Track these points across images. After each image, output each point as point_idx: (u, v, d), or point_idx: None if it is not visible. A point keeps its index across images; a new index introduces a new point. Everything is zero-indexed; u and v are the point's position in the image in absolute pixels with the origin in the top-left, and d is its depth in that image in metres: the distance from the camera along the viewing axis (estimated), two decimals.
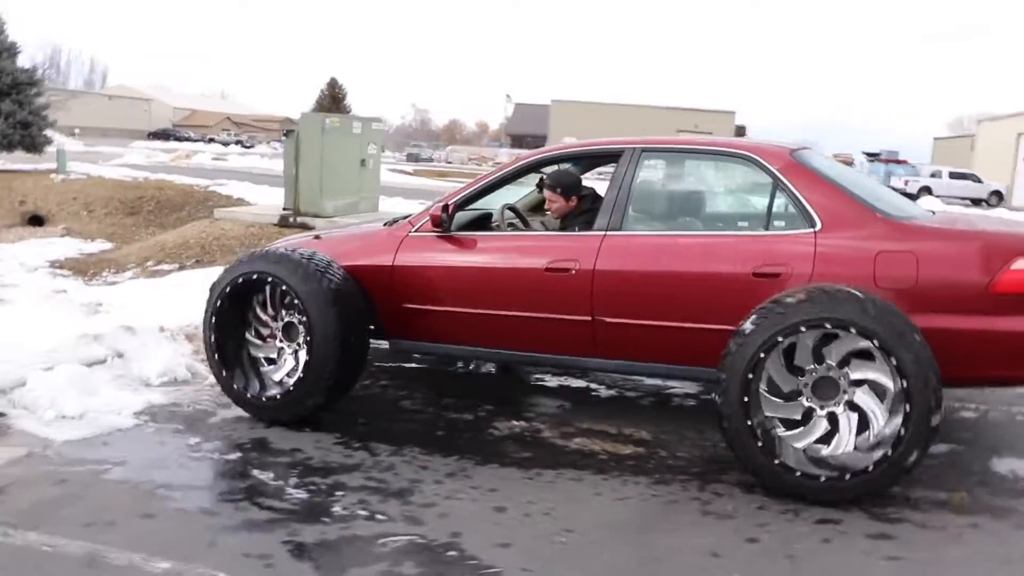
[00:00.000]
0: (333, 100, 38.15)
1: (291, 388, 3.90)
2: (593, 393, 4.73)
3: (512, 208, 4.72)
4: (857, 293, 3.21)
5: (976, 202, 29.53)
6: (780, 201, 3.74)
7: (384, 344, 4.38)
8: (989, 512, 3.26)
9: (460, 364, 5.22)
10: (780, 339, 3.23)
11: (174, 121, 72.17)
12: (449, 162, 48.90)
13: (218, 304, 4.07)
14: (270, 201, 13.41)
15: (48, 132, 18.45)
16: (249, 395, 4.00)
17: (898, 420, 3.15)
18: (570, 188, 4.37)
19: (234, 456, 3.60)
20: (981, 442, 4.11)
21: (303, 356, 3.92)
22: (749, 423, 3.25)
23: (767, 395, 3.30)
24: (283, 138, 11.12)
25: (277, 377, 4.09)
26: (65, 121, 23.16)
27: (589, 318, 3.76)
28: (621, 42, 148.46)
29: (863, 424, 3.28)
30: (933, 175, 31.95)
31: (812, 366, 3.29)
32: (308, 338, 3.84)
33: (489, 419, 4.20)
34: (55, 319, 5.55)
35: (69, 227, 12.53)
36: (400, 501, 3.20)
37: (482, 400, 4.49)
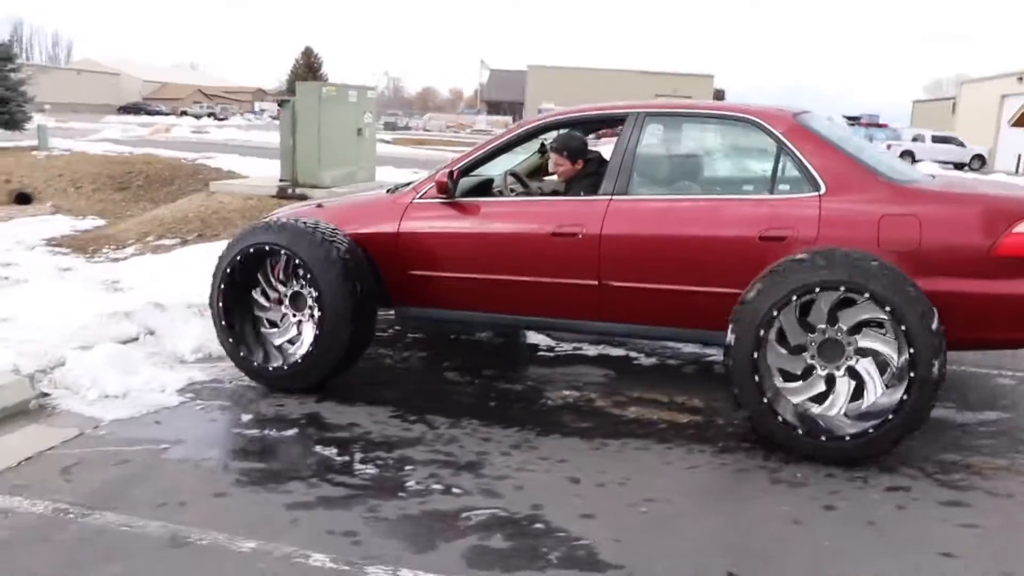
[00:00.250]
0: (309, 69, 37.48)
1: (304, 356, 3.92)
2: (635, 362, 4.72)
3: (514, 174, 4.69)
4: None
5: (959, 166, 29.60)
6: (784, 165, 3.77)
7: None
8: None
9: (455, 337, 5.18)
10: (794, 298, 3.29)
11: (144, 95, 70.33)
12: (427, 130, 48.37)
13: (225, 277, 4.07)
14: (262, 173, 13.19)
15: (26, 108, 17.94)
16: (264, 366, 4.01)
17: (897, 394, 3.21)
18: (576, 151, 4.37)
19: (291, 432, 3.55)
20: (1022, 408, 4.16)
21: (313, 325, 3.93)
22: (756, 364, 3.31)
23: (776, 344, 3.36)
24: (279, 108, 10.88)
25: (288, 347, 4.09)
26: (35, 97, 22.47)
27: (596, 282, 3.78)
28: (596, 6, 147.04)
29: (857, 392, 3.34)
30: (915, 139, 32.05)
31: (824, 326, 3.34)
32: (318, 307, 3.85)
33: (539, 389, 4.17)
34: (75, 297, 5.41)
35: (58, 204, 12.23)
36: (472, 474, 3.17)
37: (524, 370, 4.47)
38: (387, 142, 29.30)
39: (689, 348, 4.93)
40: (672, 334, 3.97)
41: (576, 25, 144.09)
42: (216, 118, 47.02)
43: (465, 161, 4.20)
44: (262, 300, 4.15)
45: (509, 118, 57.30)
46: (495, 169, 4.63)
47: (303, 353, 3.93)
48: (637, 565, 2.57)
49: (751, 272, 3.42)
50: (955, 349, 3.37)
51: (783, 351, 3.38)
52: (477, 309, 4.08)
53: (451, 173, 4.04)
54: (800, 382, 3.40)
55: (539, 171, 5.29)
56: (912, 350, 3.16)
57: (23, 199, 12.78)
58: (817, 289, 3.25)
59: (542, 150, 5.21)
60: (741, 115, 3.91)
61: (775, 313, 3.30)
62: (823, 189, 3.57)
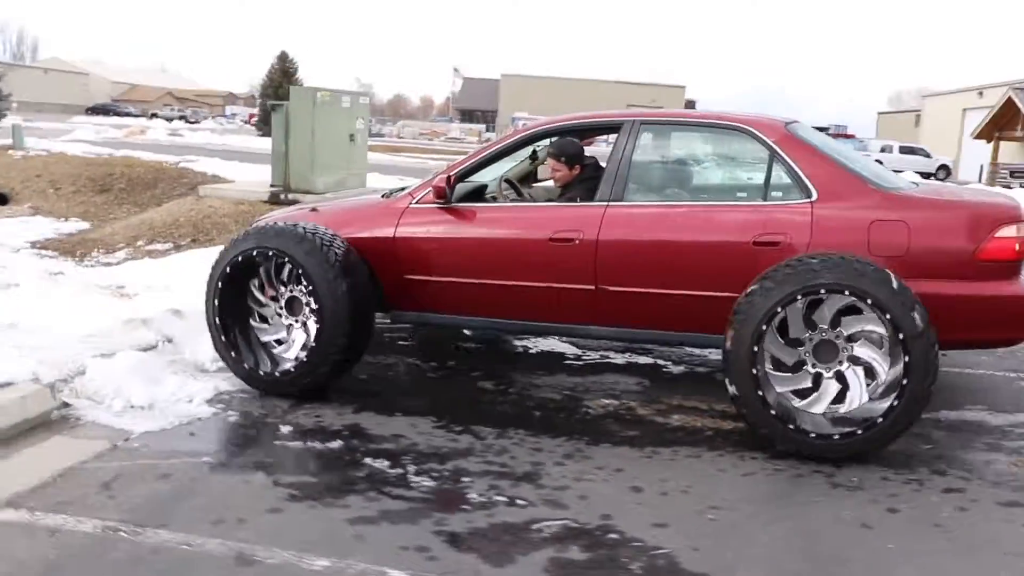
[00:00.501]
0: (284, 74, 36.66)
1: (303, 361, 3.87)
2: (664, 370, 4.69)
3: (508, 180, 4.73)
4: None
5: (926, 176, 30.38)
6: (776, 172, 3.84)
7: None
8: None
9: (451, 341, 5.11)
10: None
11: (113, 96, 68.79)
12: (401, 137, 48.13)
13: (220, 283, 4.03)
14: (250, 177, 12.98)
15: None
16: (261, 372, 3.95)
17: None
18: (574, 157, 4.41)
19: (335, 444, 3.44)
20: None
21: (311, 329, 3.91)
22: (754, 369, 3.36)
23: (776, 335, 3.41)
24: (273, 112, 10.70)
25: (285, 352, 4.05)
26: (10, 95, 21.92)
27: (593, 287, 3.81)
28: (568, 17, 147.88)
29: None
30: (883, 149, 32.74)
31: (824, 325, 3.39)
32: (317, 311, 3.82)
33: (577, 398, 4.11)
34: (81, 303, 5.21)
35: (36, 206, 11.88)
36: (532, 485, 3.10)
37: (556, 379, 4.40)
38: None
39: (715, 355, 4.89)
40: (667, 337, 4.01)
41: (549, 35, 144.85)
42: (187, 121, 46.25)
43: (462, 167, 4.21)
44: (259, 305, 4.10)
45: (482, 126, 57.32)
46: (483, 176, 4.60)
47: (301, 357, 3.90)
48: (719, 572, 2.54)
49: (745, 276, 3.50)
50: (943, 349, 3.43)
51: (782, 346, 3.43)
52: (474, 314, 4.08)
53: (448, 178, 4.04)
54: (790, 374, 3.45)
55: (529, 177, 5.28)
56: (907, 359, 3.21)
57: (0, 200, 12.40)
58: (823, 291, 3.30)
59: (533, 156, 5.22)
60: (734, 124, 3.97)
61: (778, 311, 3.34)
62: (815, 196, 3.65)
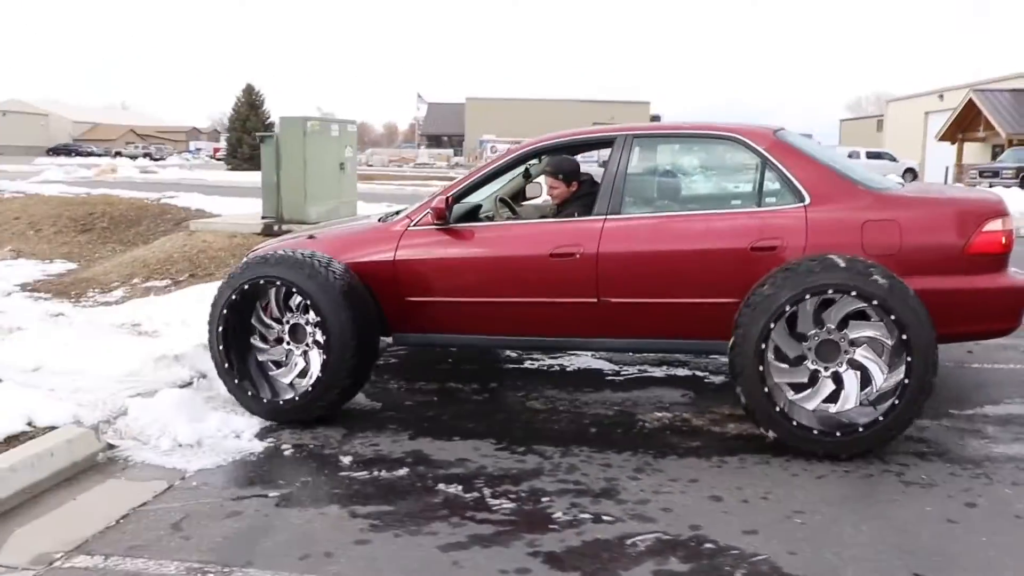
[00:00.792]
0: (251, 107, 36.49)
1: (310, 388, 3.88)
2: (706, 381, 4.70)
3: (503, 199, 4.77)
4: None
5: None
6: (769, 179, 3.92)
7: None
8: None
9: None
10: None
11: (74, 136, 67.58)
12: (370, 164, 48.03)
13: (224, 314, 4.04)
14: (237, 210, 12.86)
15: None
16: (265, 400, 3.94)
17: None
18: (571, 174, 4.47)
19: (402, 472, 3.38)
20: None
21: (317, 356, 3.93)
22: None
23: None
24: (261, 143, 10.62)
25: (288, 380, 4.04)
26: None
27: (595, 300, 3.85)
28: (528, 38, 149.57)
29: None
30: (851, 155, 33.46)
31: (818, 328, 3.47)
32: (324, 336, 3.84)
33: (629, 413, 4.10)
34: (103, 343, 5.09)
35: (18, 248, 11.60)
36: (612, 501, 3.07)
37: (602, 395, 4.39)
38: None
39: None
40: (670, 346, 4.06)
41: (510, 57, 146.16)
42: (152, 158, 45.65)
43: (459, 188, 4.23)
44: (262, 334, 4.08)
45: (450, 151, 57.50)
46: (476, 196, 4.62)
47: (310, 384, 3.89)
48: (824, 574, 2.53)
49: (745, 282, 3.58)
50: (938, 343, 3.48)
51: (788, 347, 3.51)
52: (477, 332, 4.09)
53: (447, 200, 4.06)
54: (789, 366, 3.52)
55: (518, 196, 5.31)
56: (909, 359, 3.30)
57: None
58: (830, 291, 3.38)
59: (527, 175, 5.26)
60: (725, 134, 4.05)
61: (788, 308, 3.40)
62: (807, 200, 3.74)
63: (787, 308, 3.40)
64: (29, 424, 3.64)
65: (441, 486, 3.23)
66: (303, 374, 3.99)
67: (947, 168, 29.41)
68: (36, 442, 3.45)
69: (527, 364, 5.05)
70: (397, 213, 4.50)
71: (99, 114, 76.28)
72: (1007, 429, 3.79)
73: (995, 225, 3.65)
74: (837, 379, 3.46)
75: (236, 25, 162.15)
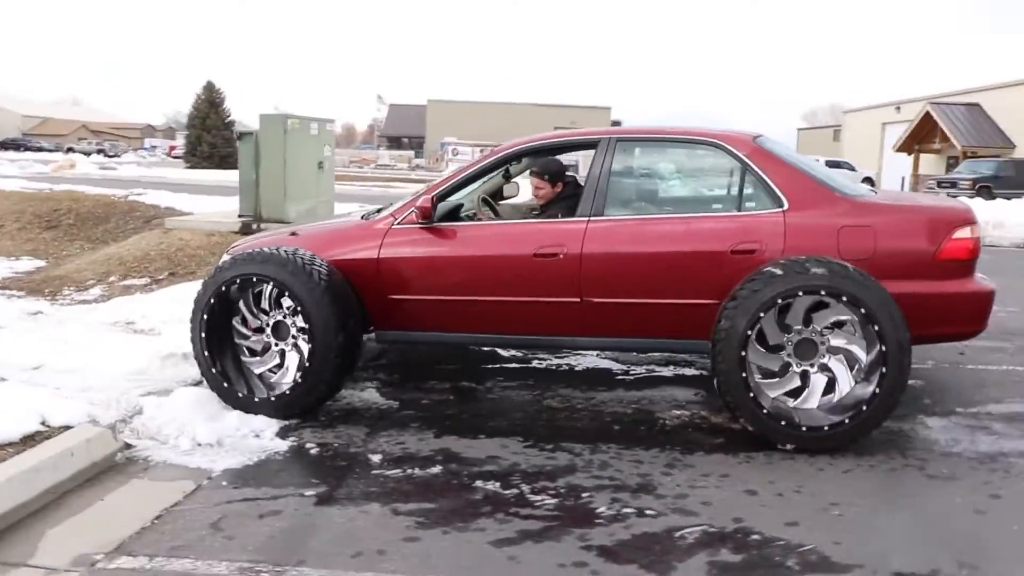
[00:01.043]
0: (211, 105, 35.80)
1: (297, 383, 3.88)
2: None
3: (485, 199, 4.81)
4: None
5: None
6: (749, 184, 4.04)
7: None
8: None
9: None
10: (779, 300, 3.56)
11: (24, 130, 65.17)
12: None
13: (206, 314, 4.03)
14: (206, 208, 12.60)
15: None
16: (256, 399, 3.93)
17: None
18: (556, 175, 4.56)
19: (436, 470, 3.37)
20: None
21: (303, 351, 3.95)
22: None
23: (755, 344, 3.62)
24: (239, 141, 10.44)
25: (275, 377, 4.05)
26: None
27: (578, 299, 3.92)
28: (489, 42, 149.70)
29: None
30: None
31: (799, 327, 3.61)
32: (309, 332, 3.85)
33: (647, 411, 4.16)
34: (102, 340, 4.96)
35: None
36: (651, 495, 3.12)
37: (616, 394, 4.43)
38: None
39: None
40: (651, 345, 4.15)
41: (472, 60, 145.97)
42: (106, 155, 44.43)
43: (443, 187, 4.26)
44: (245, 331, 4.07)
45: (411, 153, 57.22)
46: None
47: (293, 381, 3.91)
48: (872, 562, 2.62)
49: (724, 284, 3.70)
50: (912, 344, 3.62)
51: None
52: (460, 330, 4.13)
53: (433, 199, 4.09)
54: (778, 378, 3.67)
55: (496, 195, 5.36)
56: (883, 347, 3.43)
57: None
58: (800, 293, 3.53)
59: (507, 175, 5.31)
60: (706, 139, 4.15)
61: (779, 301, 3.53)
62: (786, 205, 3.85)
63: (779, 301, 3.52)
64: (43, 423, 3.54)
65: (478, 483, 3.23)
66: (287, 370, 3.98)
67: (903, 178, 30.30)
68: (55, 442, 3.36)
69: (535, 364, 5.07)
70: (379, 211, 4.51)
71: (49, 109, 73.74)
72: (1014, 426, 3.95)
73: (964, 233, 3.80)
74: (805, 376, 3.60)
75: (191, 21, 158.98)
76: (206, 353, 3.98)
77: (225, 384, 3.96)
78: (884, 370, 3.44)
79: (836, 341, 3.58)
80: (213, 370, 3.98)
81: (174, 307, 6.13)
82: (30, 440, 3.39)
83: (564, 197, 4.44)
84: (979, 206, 15.56)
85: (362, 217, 4.53)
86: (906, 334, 3.45)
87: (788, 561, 2.62)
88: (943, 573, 2.55)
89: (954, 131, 29.02)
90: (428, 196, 4.10)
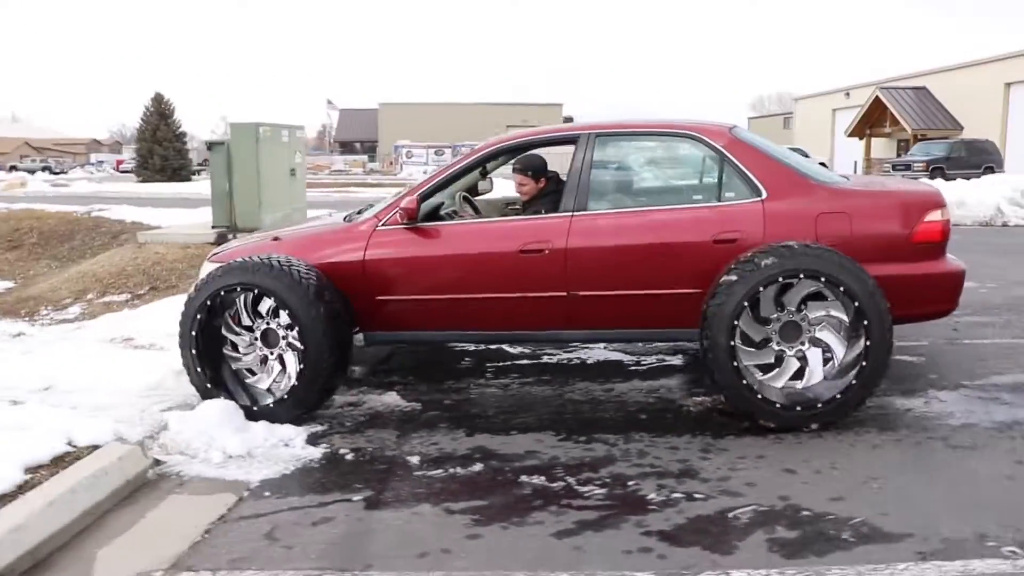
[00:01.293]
0: (161, 116, 34.98)
1: (291, 389, 3.91)
2: None
3: (466, 197, 4.88)
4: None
5: None
6: (727, 174, 4.13)
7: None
8: None
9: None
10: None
11: None
12: None
13: (195, 327, 4.03)
14: (175, 221, 12.35)
15: None
16: (254, 408, 3.95)
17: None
18: (539, 171, 4.64)
19: (478, 468, 3.40)
20: None
21: (293, 358, 3.97)
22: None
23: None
24: (210, 151, 10.27)
25: (265, 384, 4.06)
26: None
27: (564, 293, 4.00)
28: (435, 43, 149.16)
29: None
30: None
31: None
32: (301, 338, 3.87)
33: (668, 399, 4.24)
34: (110, 357, 4.86)
35: None
36: (696, 480, 3.19)
37: (632, 385, 4.50)
38: None
39: None
40: (637, 335, 4.24)
41: (419, 62, 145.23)
42: (52, 172, 43.13)
43: (427, 187, 4.30)
44: (233, 341, 4.08)
45: (364, 157, 56.73)
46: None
47: (289, 386, 3.92)
48: (924, 530, 2.73)
49: (708, 272, 3.83)
50: None
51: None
52: (448, 328, 4.19)
53: (417, 199, 4.14)
54: (756, 349, 3.74)
55: (471, 191, 5.39)
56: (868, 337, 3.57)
57: None
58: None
59: (484, 172, 5.35)
60: (683, 131, 4.26)
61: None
62: (764, 194, 3.97)
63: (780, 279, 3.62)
64: (70, 443, 3.47)
65: (523, 478, 3.26)
66: (279, 377, 4.00)
67: (856, 162, 31.07)
68: (88, 462, 3.29)
69: (545, 359, 5.11)
70: (360, 212, 4.53)
71: None
72: (1022, 395, 4.11)
73: (935, 215, 3.94)
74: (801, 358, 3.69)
75: (130, 31, 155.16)
76: (198, 366, 3.99)
77: (222, 395, 3.96)
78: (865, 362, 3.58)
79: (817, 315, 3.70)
80: (205, 381, 3.99)
81: (171, 321, 6.04)
82: (60, 461, 3.32)
83: (547, 193, 4.51)
84: (940, 186, 16.07)
85: (344, 219, 4.54)
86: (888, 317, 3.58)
87: (843, 534, 2.71)
88: (991, 535, 2.67)
89: (904, 115, 29.89)
90: (413, 197, 4.13)
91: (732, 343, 3.63)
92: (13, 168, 44.45)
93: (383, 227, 4.18)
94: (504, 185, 5.87)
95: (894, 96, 30.72)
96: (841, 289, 3.59)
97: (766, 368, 3.72)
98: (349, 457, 3.58)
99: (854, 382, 3.60)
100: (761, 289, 3.62)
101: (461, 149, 48.31)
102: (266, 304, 3.99)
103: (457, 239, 4.15)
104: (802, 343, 3.69)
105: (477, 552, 2.69)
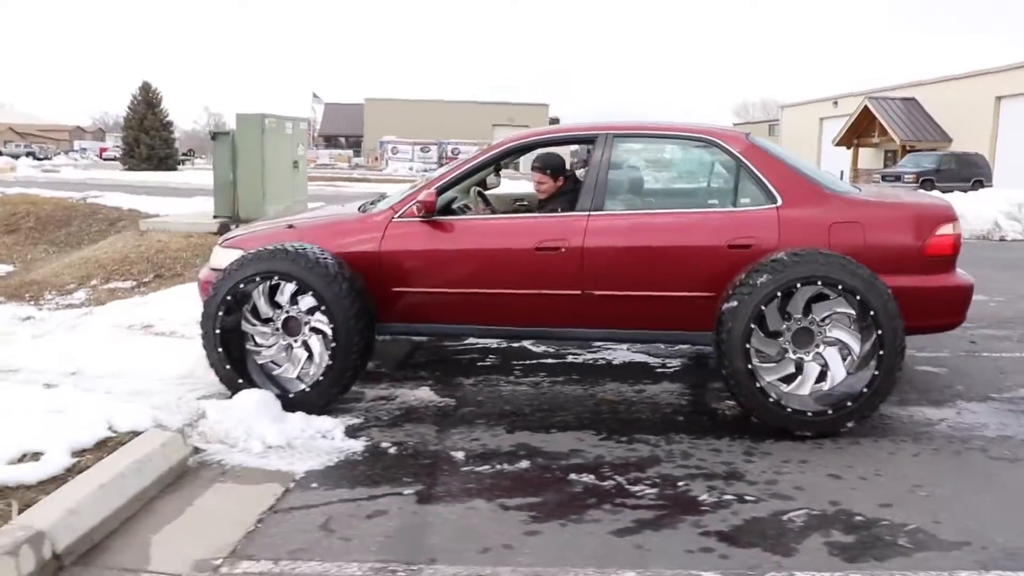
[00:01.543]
0: (148, 105, 34.61)
1: (320, 378, 3.91)
2: None
3: (481, 192, 4.92)
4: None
5: None
6: (743, 180, 4.17)
7: None
8: None
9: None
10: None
11: None
12: None
13: (219, 315, 4.01)
14: (173, 210, 12.25)
15: None
16: (289, 395, 3.93)
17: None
18: (558, 169, 4.67)
19: (525, 464, 3.40)
20: None
21: (319, 341, 3.94)
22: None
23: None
24: (214, 141, 10.17)
25: (293, 373, 4.05)
26: None
27: (579, 292, 4.04)
28: (424, 39, 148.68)
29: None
30: None
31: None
32: (330, 326, 3.88)
33: (700, 402, 4.29)
34: (131, 346, 4.81)
35: None
36: (744, 482, 3.22)
37: (662, 387, 4.53)
38: None
39: None
40: (650, 336, 4.27)
41: (407, 58, 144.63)
42: (36, 158, 42.48)
43: (443, 181, 4.32)
44: (254, 333, 4.05)
45: (350, 152, 56.45)
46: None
47: (317, 375, 3.93)
48: (979, 539, 2.77)
49: (722, 277, 3.86)
50: None
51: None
52: (461, 322, 4.20)
53: (436, 193, 4.16)
54: (775, 364, 3.77)
55: (481, 186, 5.36)
56: (877, 327, 3.61)
57: None
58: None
59: (497, 169, 5.33)
60: (701, 135, 4.29)
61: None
62: (779, 201, 4.01)
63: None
64: (110, 429, 3.43)
65: (573, 476, 3.28)
66: (306, 365, 3.99)
67: (842, 172, 31.35)
68: (132, 447, 3.26)
69: (570, 359, 5.13)
70: (374, 203, 4.55)
71: None
72: None
73: (947, 229, 3.99)
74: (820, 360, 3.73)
75: (115, 19, 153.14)
76: (221, 354, 3.96)
77: (241, 384, 3.94)
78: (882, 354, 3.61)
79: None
80: (229, 371, 3.97)
81: (186, 309, 5.98)
82: (103, 446, 3.28)
83: (565, 192, 4.54)
84: None
85: (359, 209, 4.55)
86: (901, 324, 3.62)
87: (899, 540, 2.75)
88: None
89: (892, 125, 30.16)
90: (431, 190, 4.14)
91: (750, 366, 3.65)
92: None
93: (399, 219, 4.19)
94: (507, 182, 5.83)
95: (883, 106, 31.02)
96: (840, 287, 3.63)
97: (788, 379, 3.74)
98: (392, 451, 3.57)
99: (876, 372, 3.62)
100: (763, 307, 3.64)
101: (447, 147, 48.24)
102: (285, 294, 3.95)
103: (474, 234, 4.16)
104: (817, 345, 3.72)
105: (539, 548, 2.69)
